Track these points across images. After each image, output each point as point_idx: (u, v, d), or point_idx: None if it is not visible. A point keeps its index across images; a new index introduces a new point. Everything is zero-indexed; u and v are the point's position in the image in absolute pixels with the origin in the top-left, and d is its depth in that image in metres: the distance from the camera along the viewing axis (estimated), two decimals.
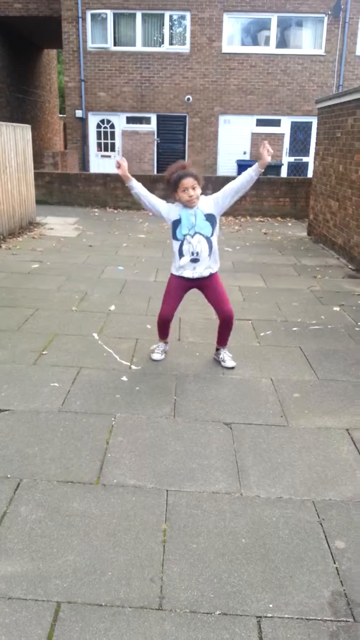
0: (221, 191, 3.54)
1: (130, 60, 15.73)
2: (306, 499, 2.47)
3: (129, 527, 2.26)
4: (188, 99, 15.86)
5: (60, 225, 9.90)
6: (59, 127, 24.68)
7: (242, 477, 2.62)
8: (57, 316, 4.81)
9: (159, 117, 16.19)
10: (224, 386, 3.57)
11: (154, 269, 6.74)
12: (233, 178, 3.74)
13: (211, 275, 3.67)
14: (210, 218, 3.53)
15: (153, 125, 16.28)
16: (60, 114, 24.85)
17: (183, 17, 15.41)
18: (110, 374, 3.70)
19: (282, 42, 15.59)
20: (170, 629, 1.81)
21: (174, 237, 3.60)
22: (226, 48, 15.53)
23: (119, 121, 16.28)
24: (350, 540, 2.23)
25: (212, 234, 3.57)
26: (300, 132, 16.05)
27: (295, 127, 16.01)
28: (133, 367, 3.83)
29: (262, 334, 4.55)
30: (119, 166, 3.53)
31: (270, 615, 1.88)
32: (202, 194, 3.52)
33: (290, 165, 16.20)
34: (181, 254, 3.60)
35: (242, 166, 15.60)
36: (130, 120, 16.27)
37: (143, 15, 15.39)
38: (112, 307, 5.12)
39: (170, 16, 15.41)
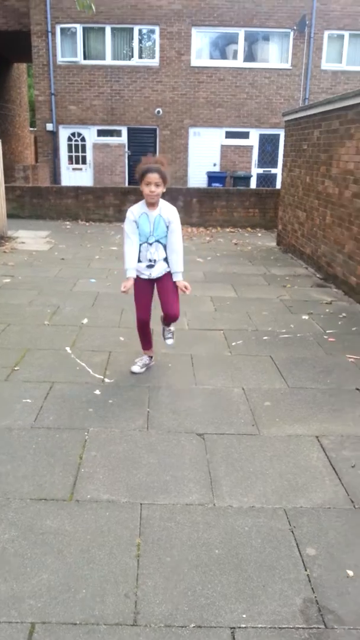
0: (171, 230, 3.63)
1: (100, 74, 15.82)
2: (277, 507, 2.51)
3: (103, 543, 2.26)
4: (158, 111, 16.01)
5: (31, 238, 9.84)
6: (30, 141, 24.59)
7: (215, 487, 2.65)
8: (29, 331, 4.78)
9: (129, 130, 16.29)
10: (196, 397, 3.60)
11: None
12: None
13: (166, 274, 3.75)
14: (168, 224, 3.63)
15: (124, 138, 16.36)
16: (30, 127, 24.75)
17: (152, 31, 15.60)
18: (83, 387, 3.70)
19: (250, 56, 15.91)
20: None
21: None
22: (195, 62, 15.77)
23: (90, 134, 16.32)
24: (321, 547, 2.27)
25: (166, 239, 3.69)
26: (268, 144, 16.35)
27: (263, 139, 16.31)
28: (106, 380, 3.83)
29: (233, 344, 4.61)
30: (126, 292, 3.69)
31: (244, 625, 1.90)
32: (173, 205, 3.59)
33: (259, 176, 16.47)
34: (138, 259, 3.69)
35: (212, 177, 15.81)
36: (101, 133, 16.32)
37: (112, 29, 15.52)
38: (85, 320, 5.11)
39: (140, 30, 15.58)
